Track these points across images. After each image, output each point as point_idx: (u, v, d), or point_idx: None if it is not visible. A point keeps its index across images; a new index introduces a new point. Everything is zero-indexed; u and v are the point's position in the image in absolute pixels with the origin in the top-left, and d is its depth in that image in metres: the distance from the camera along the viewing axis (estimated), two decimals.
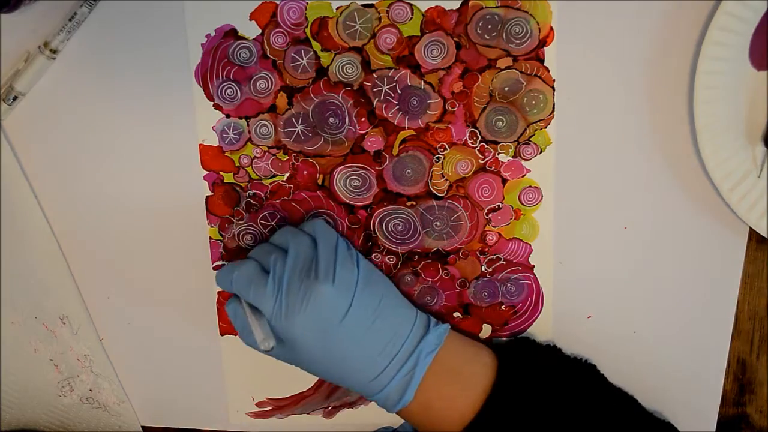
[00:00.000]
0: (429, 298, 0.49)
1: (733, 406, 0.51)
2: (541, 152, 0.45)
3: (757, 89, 0.43)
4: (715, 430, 0.50)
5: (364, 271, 0.44)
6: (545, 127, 0.45)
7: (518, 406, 0.42)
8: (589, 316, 0.49)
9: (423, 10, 0.43)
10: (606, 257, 0.47)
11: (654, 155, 0.45)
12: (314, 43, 0.44)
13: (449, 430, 0.43)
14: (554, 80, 0.44)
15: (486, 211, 0.47)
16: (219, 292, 0.50)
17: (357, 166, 0.47)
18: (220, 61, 0.45)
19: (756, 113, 0.43)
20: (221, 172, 0.48)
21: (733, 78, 0.42)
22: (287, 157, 0.47)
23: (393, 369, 0.42)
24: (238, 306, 0.44)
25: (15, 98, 0.46)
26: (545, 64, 0.44)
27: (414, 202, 0.47)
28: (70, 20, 0.44)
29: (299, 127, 0.46)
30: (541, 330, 0.49)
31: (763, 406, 0.51)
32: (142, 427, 0.55)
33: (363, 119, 0.46)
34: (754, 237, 0.46)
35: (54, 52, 0.45)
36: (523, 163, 0.46)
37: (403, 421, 0.51)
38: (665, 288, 0.48)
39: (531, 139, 0.45)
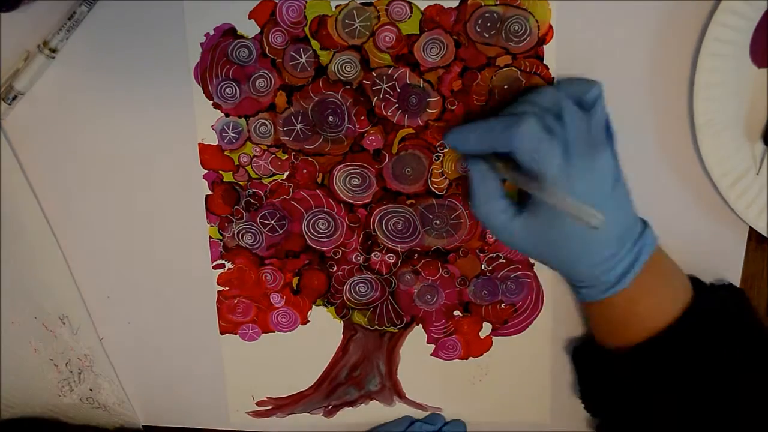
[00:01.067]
0: (429, 297, 0.49)
1: None
2: None
3: (758, 86, 0.43)
4: None
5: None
6: None
7: (713, 325, 0.41)
8: None
9: (422, 9, 0.43)
10: None
11: (654, 153, 0.45)
12: (313, 42, 0.44)
13: (645, 329, 0.42)
14: (553, 78, 0.44)
15: None
16: (219, 292, 0.50)
17: (356, 165, 0.47)
18: (219, 60, 0.45)
19: (756, 110, 0.43)
20: (221, 171, 0.48)
21: (733, 75, 0.42)
22: (287, 156, 0.47)
23: (623, 254, 0.41)
24: (486, 167, 0.41)
25: (15, 97, 0.46)
26: (544, 62, 0.44)
27: (414, 201, 0.47)
28: (69, 19, 0.44)
29: (298, 126, 0.46)
30: (542, 329, 0.49)
31: None
32: (142, 426, 0.55)
33: (362, 118, 0.46)
34: (754, 237, 0.46)
35: (53, 51, 0.45)
36: None
37: (407, 415, 0.51)
38: None
39: None
